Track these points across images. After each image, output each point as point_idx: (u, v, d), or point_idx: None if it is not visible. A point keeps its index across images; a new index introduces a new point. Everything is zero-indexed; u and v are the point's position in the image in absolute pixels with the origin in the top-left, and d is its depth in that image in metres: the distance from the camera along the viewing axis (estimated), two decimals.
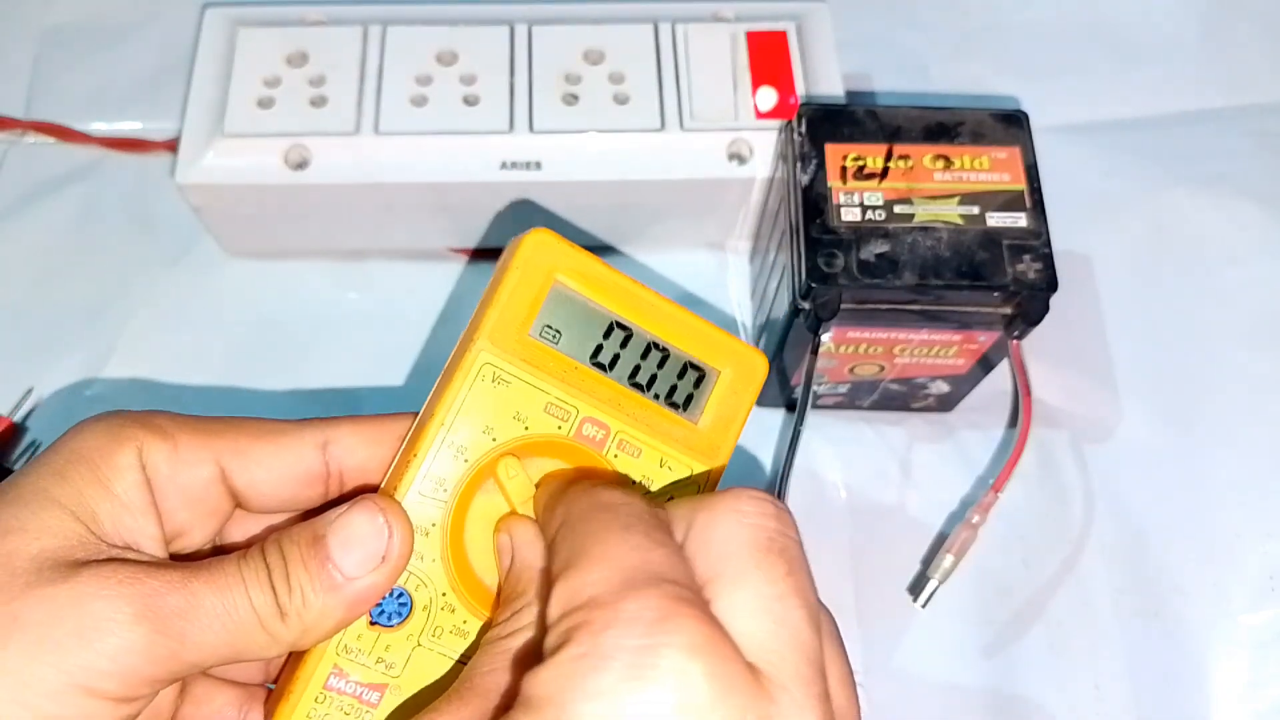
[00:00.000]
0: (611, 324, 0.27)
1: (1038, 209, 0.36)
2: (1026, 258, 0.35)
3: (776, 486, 0.38)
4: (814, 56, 0.44)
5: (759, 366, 0.28)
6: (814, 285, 0.34)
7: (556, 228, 0.27)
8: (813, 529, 0.41)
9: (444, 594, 0.26)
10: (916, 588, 0.40)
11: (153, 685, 0.22)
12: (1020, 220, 0.35)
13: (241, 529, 0.27)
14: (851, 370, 0.40)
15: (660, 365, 0.27)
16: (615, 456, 0.26)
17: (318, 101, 0.42)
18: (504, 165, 0.41)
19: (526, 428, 0.26)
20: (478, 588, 0.26)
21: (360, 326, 0.45)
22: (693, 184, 0.42)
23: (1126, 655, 0.40)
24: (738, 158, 0.42)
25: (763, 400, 0.43)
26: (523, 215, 0.43)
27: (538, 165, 0.41)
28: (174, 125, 0.43)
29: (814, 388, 0.38)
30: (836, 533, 0.42)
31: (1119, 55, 0.52)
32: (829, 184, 0.36)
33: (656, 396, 0.27)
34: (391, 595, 0.25)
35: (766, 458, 0.43)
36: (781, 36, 0.44)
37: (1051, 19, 0.53)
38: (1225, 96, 0.52)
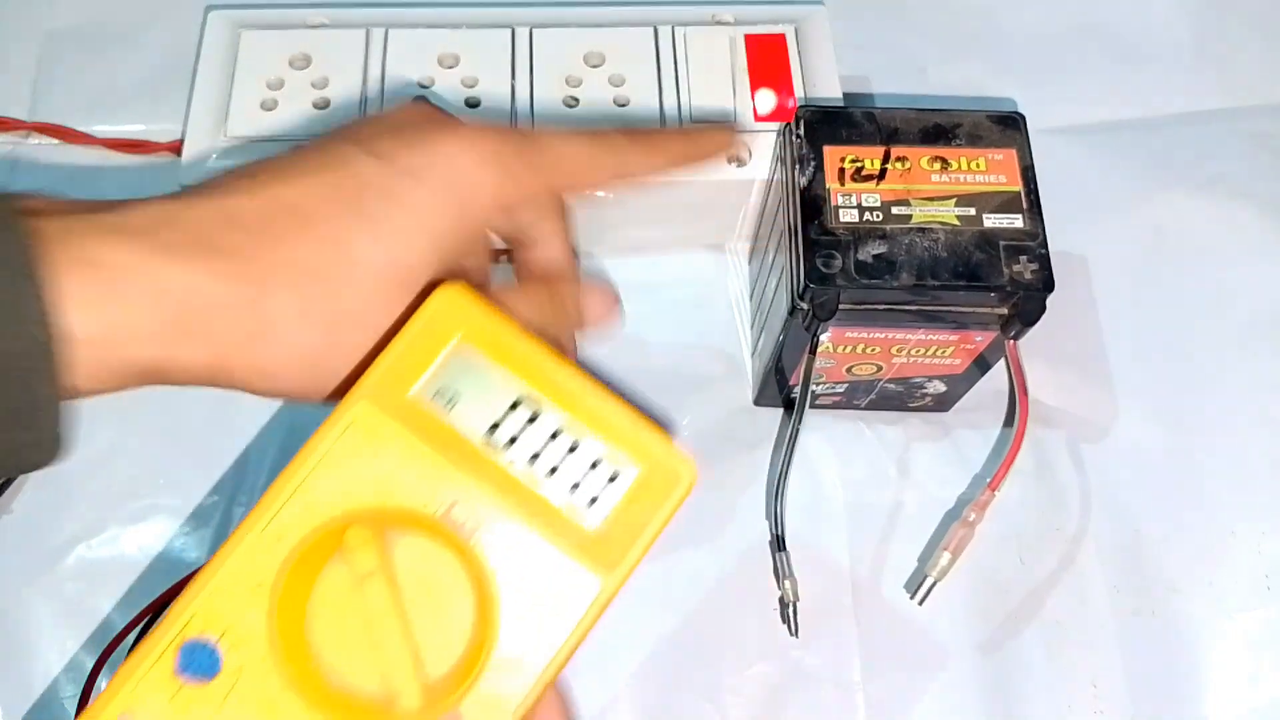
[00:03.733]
0: (518, 399, 0.24)
1: (1034, 210, 0.36)
2: (1023, 258, 0.35)
3: (776, 485, 0.39)
4: (812, 59, 0.44)
5: (684, 475, 0.24)
6: (812, 286, 0.35)
7: None
8: (811, 527, 0.42)
9: (261, 660, 0.23)
10: (914, 585, 0.40)
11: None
12: (1017, 221, 0.36)
13: None
14: (849, 370, 0.40)
15: (567, 454, 0.24)
16: (484, 546, 0.24)
17: (320, 104, 0.42)
18: None
19: (388, 497, 0.23)
20: (306, 669, 0.23)
21: None
22: (692, 185, 0.42)
23: (1123, 653, 0.40)
24: (737, 160, 0.42)
25: (761, 400, 0.44)
26: None
27: None
28: (177, 127, 0.43)
29: (812, 387, 0.38)
30: (834, 531, 0.42)
31: (1115, 57, 0.53)
32: (827, 186, 0.36)
33: (555, 488, 0.24)
34: (204, 648, 0.23)
35: (765, 457, 0.43)
36: (780, 39, 0.44)
37: (1048, 22, 0.54)
38: (1221, 98, 0.52)
